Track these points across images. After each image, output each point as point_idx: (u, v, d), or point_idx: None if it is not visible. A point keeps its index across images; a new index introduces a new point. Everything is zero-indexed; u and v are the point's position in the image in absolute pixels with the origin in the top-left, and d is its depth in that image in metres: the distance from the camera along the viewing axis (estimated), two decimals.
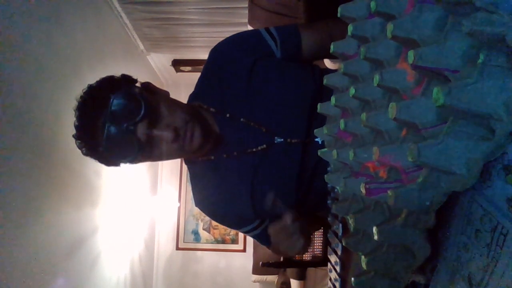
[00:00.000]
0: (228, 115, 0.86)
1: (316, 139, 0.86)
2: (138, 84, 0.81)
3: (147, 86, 0.83)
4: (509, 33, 0.26)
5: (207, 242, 3.27)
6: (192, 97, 0.94)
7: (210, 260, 3.24)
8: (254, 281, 2.95)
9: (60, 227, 1.84)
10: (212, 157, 0.89)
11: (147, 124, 0.74)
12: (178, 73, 3.14)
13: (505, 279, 0.31)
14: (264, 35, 0.88)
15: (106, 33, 2.37)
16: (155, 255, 3.21)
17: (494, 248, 0.32)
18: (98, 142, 0.74)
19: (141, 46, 2.85)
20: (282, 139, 0.85)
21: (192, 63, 3.03)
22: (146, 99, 0.75)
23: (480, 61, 0.29)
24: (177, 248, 3.30)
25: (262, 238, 0.97)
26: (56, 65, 1.82)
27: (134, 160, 0.78)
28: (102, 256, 2.26)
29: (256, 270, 2.78)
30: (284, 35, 0.89)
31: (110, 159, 0.78)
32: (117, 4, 2.43)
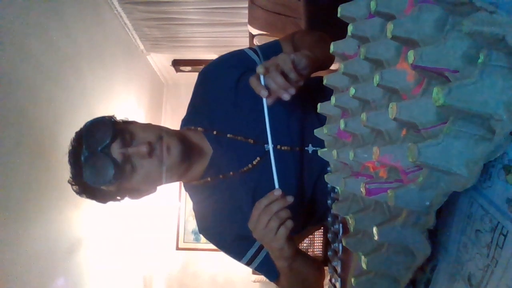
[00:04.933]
0: (215, 132, 0.88)
1: (306, 148, 0.86)
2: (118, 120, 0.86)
3: (126, 120, 0.87)
4: (509, 33, 0.26)
5: (207, 242, 3.25)
6: (182, 122, 0.96)
7: (210, 260, 3.24)
8: (254, 281, 2.95)
9: (60, 227, 1.84)
10: (209, 179, 0.89)
11: (121, 144, 0.77)
12: (178, 73, 3.13)
13: (505, 279, 0.31)
14: (247, 52, 0.92)
15: (106, 33, 2.37)
16: (155, 255, 3.21)
17: (494, 248, 0.32)
18: (83, 175, 0.77)
19: (141, 46, 2.85)
20: (272, 145, 0.85)
21: (192, 63, 3.03)
22: (115, 122, 0.79)
23: (480, 61, 0.29)
24: (177, 248, 3.29)
25: (267, 267, 0.92)
26: (56, 65, 1.82)
27: (121, 187, 0.81)
28: (102, 256, 2.26)
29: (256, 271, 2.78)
30: (265, 48, 0.93)
31: (96, 186, 0.79)
32: (117, 4, 2.42)
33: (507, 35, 0.26)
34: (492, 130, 0.30)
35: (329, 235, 0.69)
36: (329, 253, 0.68)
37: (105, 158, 0.75)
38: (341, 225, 0.65)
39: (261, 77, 0.70)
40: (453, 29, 0.33)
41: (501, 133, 0.28)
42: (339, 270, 0.65)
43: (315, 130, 0.67)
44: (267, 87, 0.70)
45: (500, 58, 0.28)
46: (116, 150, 0.76)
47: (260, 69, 0.70)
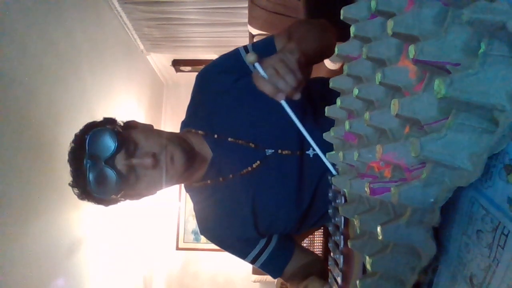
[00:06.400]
0: (216, 136, 0.88)
1: (307, 152, 0.86)
2: (120, 123, 0.85)
3: (128, 123, 0.86)
4: (509, 20, 0.25)
5: (207, 242, 3.24)
6: (182, 124, 0.96)
7: (210, 260, 3.24)
8: (254, 281, 2.95)
9: (60, 227, 1.84)
10: (209, 182, 0.90)
11: (125, 155, 0.77)
12: (178, 73, 3.13)
13: (507, 279, 0.30)
14: (242, 55, 0.90)
15: (106, 33, 2.37)
16: (155, 255, 3.21)
17: (495, 248, 0.32)
18: (86, 183, 0.77)
19: (141, 46, 2.85)
20: (273, 150, 0.85)
21: (192, 63, 3.03)
22: (119, 132, 0.78)
23: (481, 50, 0.28)
24: (177, 248, 3.29)
25: (270, 266, 0.94)
26: (56, 65, 1.82)
27: (124, 194, 0.81)
28: (102, 256, 2.26)
29: (256, 270, 2.78)
30: (258, 47, 0.91)
31: (101, 197, 0.80)
32: (117, 4, 2.43)
33: (507, 22, 0.25)
34: (495, 122, 0.29)
35: (330, 245, 0.67)
36: (330, 263, 0.67)
37: (109, 170, 0.76)
38: (342, 236, 0.64)
39: (262, 72, 0.69)
40: (454, 22, 0.33)
41: (505, 123, 0.28)
42: (340, 281, 0.64)
43: (324, 134, 0.67)
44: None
45: (502, 48, 0.28)
46: (120, 162, 0.77)
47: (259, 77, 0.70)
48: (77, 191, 0.81)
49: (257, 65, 0.69)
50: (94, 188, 0.77)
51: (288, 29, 0.91)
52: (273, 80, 0.69)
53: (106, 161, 0.75)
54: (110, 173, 0.75)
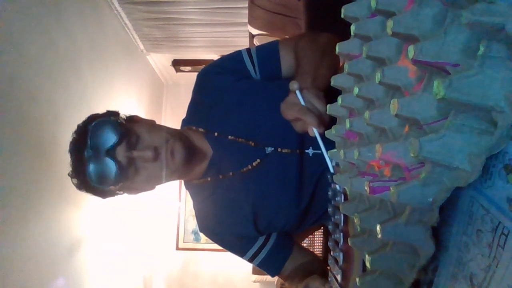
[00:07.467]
0: (216, 134, 0.88)
1: (307, 151, 0.86)
2: (123, 116, 0.86)
3: (130, 117, 0.87)
4: (508, 22, 0.25)
5: (207, 242, 3.26)
6: (183, 122, 0.97)
7: (210, 260, 3.24)
8: (254, 281, 2.95)
9: (60, 227, 1.84)
10: (209, 179, 0.90)
11: (126, 147, 0.78)
12: (178, 73, 3.14)
13: (507, 279, 0.30)
14: (244, 59, 0.91)
15: (106, 33, 2.37)
16: (155, 255, 3.21)
17: (495, 248, 0.31)
18: (85, 173, 0.77)
19: (141, 46, 2.85)
20: (272, 148, 0.86)
21: (192, 63, 3.03)
22: (121, 124, 0.79)
23: (480, 52, 0.28)
24: (177, 248, 3.30)
25: (269, 264, 0.95)
26: (56, 65, 1.82)
27: (123, 186, 0.82)
28: (102, 256, 2.26)
29: (256, 270, 2.78)
30: (263, 59, 0.91)
31: (99, 187, 0.80)
32: (117, 4, 2.43)
33: (506, 24, 0.25)
34: (494, 123, 0.29)
35: (330, 243, 0.68)
36: (330, 261, 0.67)
37: (110, 161, 0.76)
38: (342, 234, 0.65)
39: (302, 101, 0.71)
40: (453, 23, 0.33)
41: (503, 125, 0.28)
42: (340, 279, 0.64)
43: (326, 132, 0.67)
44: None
45: (501, 49, 0.28)
46: (121, 153, 0.77)
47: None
48: (76, 181, 0.81)
49: (298, 93, 0.71)
50: (93, 178, 0.77)
51: (295, 44, 0.89)
52: (316, 112, 0.70)
53: (107, 152, 0.76)
54: (111, 163, 0.76)
